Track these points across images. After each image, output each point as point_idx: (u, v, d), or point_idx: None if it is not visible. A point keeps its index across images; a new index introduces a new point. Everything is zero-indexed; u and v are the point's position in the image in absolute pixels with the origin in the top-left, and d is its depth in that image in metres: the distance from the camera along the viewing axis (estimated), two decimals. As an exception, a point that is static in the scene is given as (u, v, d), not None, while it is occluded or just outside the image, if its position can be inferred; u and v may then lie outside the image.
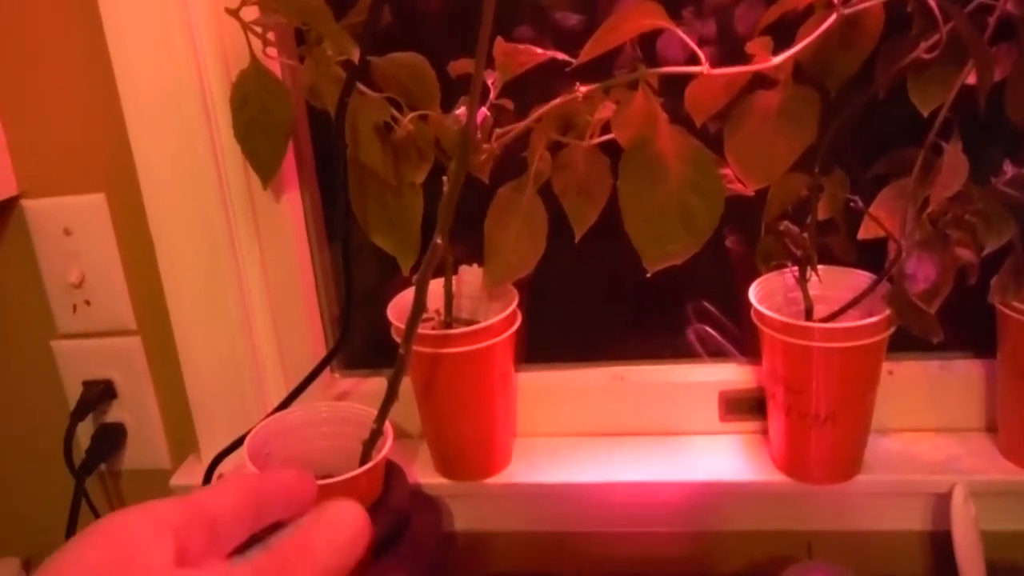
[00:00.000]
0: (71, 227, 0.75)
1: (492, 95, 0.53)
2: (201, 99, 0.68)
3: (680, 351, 0.81)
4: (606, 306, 0.83)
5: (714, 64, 0.71)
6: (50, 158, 0.74)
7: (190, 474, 0.78)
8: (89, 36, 0.68)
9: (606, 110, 0.58)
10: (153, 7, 0.65)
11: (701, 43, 0.82)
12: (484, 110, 0.50)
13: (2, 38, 0.71)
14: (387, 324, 0.68)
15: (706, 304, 0.84)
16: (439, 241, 0.51)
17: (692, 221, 0.54)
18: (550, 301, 0.80)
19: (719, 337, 0.84)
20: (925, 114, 0.57)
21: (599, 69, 0.59)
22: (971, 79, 0.55)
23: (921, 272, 0.56)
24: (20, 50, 0.71)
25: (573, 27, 0.82)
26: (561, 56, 0.51)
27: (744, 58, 0.55)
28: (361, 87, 0.57)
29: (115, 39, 0.67)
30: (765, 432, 0.73)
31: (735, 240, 0.78)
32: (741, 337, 0.80)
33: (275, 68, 0.66)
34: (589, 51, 0.49)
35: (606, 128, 0.60)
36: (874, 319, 0.60)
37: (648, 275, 0.56)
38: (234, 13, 0.61)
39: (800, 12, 0.54)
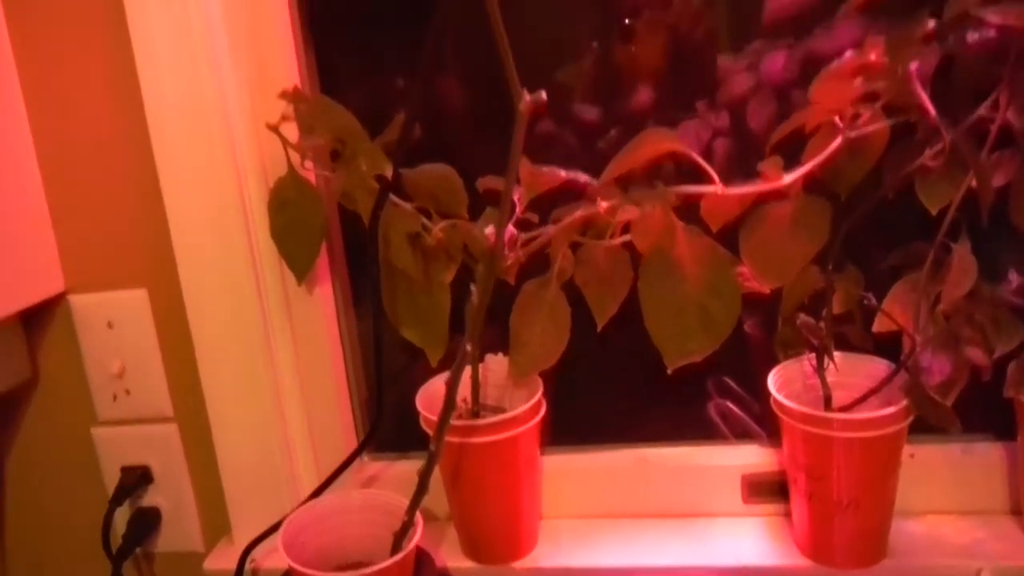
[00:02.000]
0: (114, 320, 0.78)
1: (519, 211, 0.56)
2: (240, 202, 0.72)
3: (702, 430, 0.82)
4: (628, 387, 0.85)
5: (728, 160, 0.74)
6: (96, 255, 0.78)
7: (223, 558, 0.80)
8: (136, 141, 0.72)
9: (626, 213, 0.61)
10: (197, 118, 0.70)
11: (715, 135, 0.86)
12: (512, 229, 0.53)
13: (55, 144, 0.76)
14: (415, 406, 0.70)
15: (727, 380, 0.86)
16: (468, 348, 0.54)
17: (710, 322, 0.56)
18: (574, 384, 0.82)
19: (741, 413, 0.85)
20: (933, 213, 0.59)
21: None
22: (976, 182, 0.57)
23: (936, 366, 0.58)
24: (71, 155, 0.76)
25: (592, 120, 0.86)
26: (584, 178, 0.55)
27: (757, 152, 0.57)
28: (393, 198, 0.60)
29: (160, 146, 0.71)
30: (789, 515, 0.73)
31: (753, 324, 0.80)
32: (763, 414, 0.81)
33: (310, 174, 0.70)
34: (609, 173, 0.52)
35: (626, 227, 0.62)
36: (892, 409, 0.61)
37: (669, 371, 0.59)
38: (274, 128, 0.65)
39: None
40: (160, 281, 0.77)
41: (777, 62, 0.81)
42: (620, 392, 0.84)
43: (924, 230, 0.61)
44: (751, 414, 0.83)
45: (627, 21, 0.78)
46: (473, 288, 0.54)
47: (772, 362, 0.70)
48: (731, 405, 0.86)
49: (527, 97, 0.39)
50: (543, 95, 0.39)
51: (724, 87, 0.82)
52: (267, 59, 0.71)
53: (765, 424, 0.81)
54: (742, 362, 0.81)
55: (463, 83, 0.75)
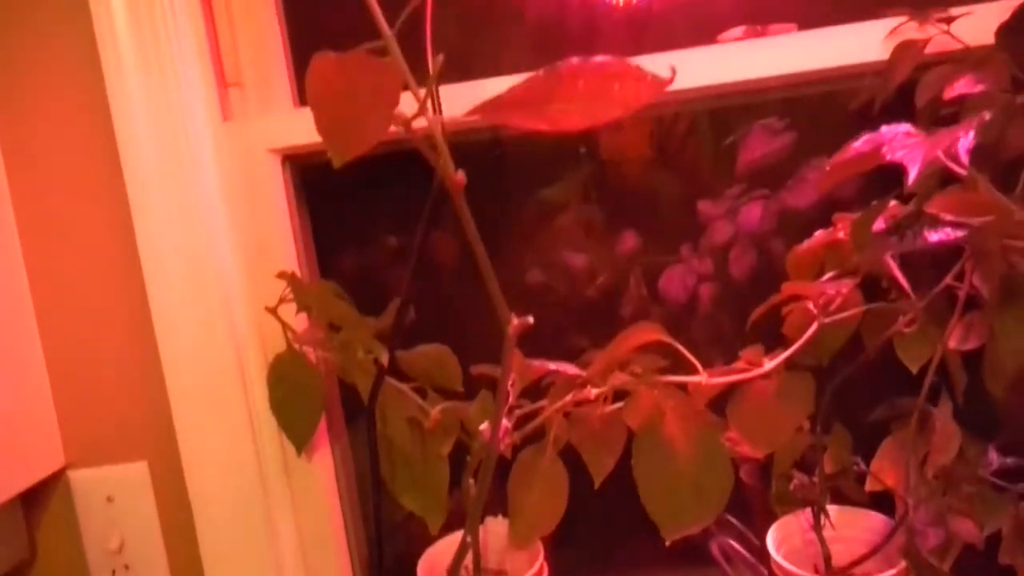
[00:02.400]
0: (113, 495, 0.78)
1: (511, 399, 0.58)
2: (239, 376, 0.73)
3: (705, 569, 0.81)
4: (629, 543, 0.85)
5: (713, 304, 0.77)
6: (96, 429, 0.79)
7: None
8: (137, 316, 0.75)
9: (618, 379, 0.63)
10: (197, 295, 0.72)
11: (700, 280, 0.89)
12: (506, 423, 0.55)
13: (56, 319, 0.78)
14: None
15: (728, 516, 0.86)
16: (468, 540, 0.54)
17: (703, 496, 0.57)
18: (578, 540, 0.82)
19: (742, 550, 0.85)
20: (914, 371, 0.61)
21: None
22: (952, 343, 0.59)
23: (931, 529, 0.59)
24: (73, 329, 0.78)
25: (580, 266, 0.89)
26: (572, 371, 0.57)
27: (740, 296, 0.59)
28: (390, 380, 0.62)
29: (161, 321, 0.74)
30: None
31: (749, 471, 0.80)
32: (763, 551, 0.81)
33: (308, 350, 0.72)
34: (598, 365, 0.54)
35: (617, 393, 0.64)
36: (893, 571, 0.61)
37: (667, 543, 0.59)
38: (272, 311, 0.67)
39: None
40: (161, 453, 0.77)
41: (754, 213, 0.85)
42: (621, 547, 0.84)
43: (911, 380, 0.62)
44: (754, 552, 0.83)
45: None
46: (471, 481, 0.55)
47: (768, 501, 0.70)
48: (732, 543, 0.86)
49: (515, 321, 0.41)
50: (530, 320, 0.41)
51: (706, 234, 0.86)
52: (265, 238, 0.74)
53: (766, 560, 0.80)
54: (741, 502, 0.81)
55: (454, 266, 0.79)
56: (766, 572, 0.80)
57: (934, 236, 0.45)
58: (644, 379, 0.55)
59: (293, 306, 0.69)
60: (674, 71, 0.33)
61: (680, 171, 0.86)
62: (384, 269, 0.83)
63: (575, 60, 0.33)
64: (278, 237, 0.74)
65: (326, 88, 0.37)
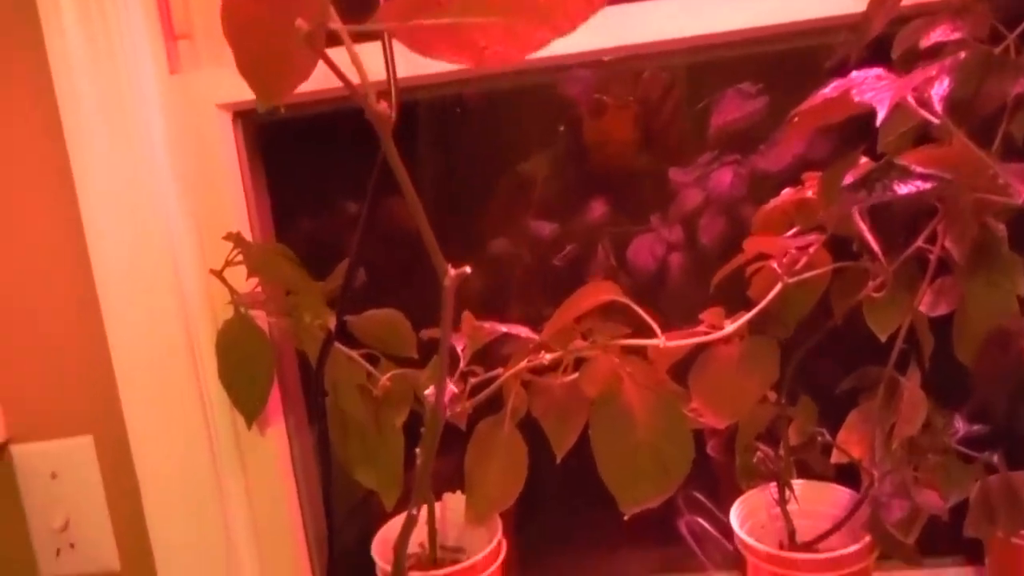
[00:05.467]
0: (58, 470, 0.75)
1: (463, 364, 0.55)
2: (187, 344, 0.70)
3: (673, 558, 0.80)
4: (593, 521, 0.83)
5: (683, 274, 0.74)
6: (39, 403, 0.76)
7: None
8: (80, 285, 0.71)
9: (577, 346, 0.61)
10: (143, 260, 0.69)
11: (669, 249, 0.87)
12: (452, 388, 0.52)
13: (-3, 289, 0.74)
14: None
15: (696, 494, 0.84)
16: (415, 512, 0.52)
17: (663, 467, 0.55)
18: (536, 520, 0.80)
19: (711, 529, 0.83)
20: (883, 339, 0.59)
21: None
22: (922, 307, 0.57)
23: (896, 501, 0.57)
24: (11, 300, 0.74)
25: (547, 236, 0.87)
26: (525, 333, 0.54)
27: (710, 264, 0.57)
28: (339, 347, 0.59)
29: (105, 289, 0.70)
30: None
31: (715, 445, 0.78)
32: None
33: (259, 315, 0.69)
34: (551, 328, 0.52)
35: (578, 362, 0.62)
36: (858, 546, 0.60)
37: (625, 517, 0.57)
38: (218, 274, 0.64)
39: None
40: (106, 427, 0.74)
41: (724, 178, 0.82)
42: (585, 526, 0.82)
43: (877, 348, 0.60)
44: (721, 529, 0.81)
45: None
46: (419, 450, 0.53)
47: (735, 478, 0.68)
48: (701, 520, 0.85)
49: (451, 272, 0.38)
50: (467, 269, 0.39)
51: (676, 201, 0.83)
52: (216, 201, 0.71)
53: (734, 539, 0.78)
54: (709, 476, 0.80)
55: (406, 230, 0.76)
56: (732, 549, 0.79)
57: (903, 188, 0.43)
58: (601, 343, 0.53)
59: (243, 271, 0.65)
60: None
61: (652, 140, 0.84)
62: (344, 236, 0.80)
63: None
64: (229, 198, 0.71)
65: (243, 17, 0.34)
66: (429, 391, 0.46)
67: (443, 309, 0.38)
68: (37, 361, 0.75)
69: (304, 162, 0.80)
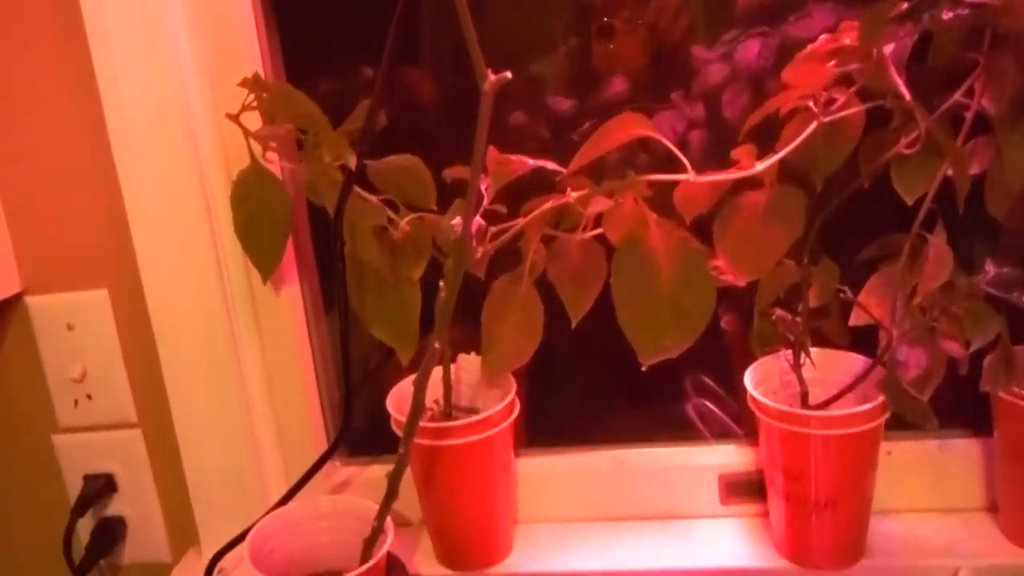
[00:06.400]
0: (73, 322, 0.76)
1: (486, 201, 0.54)
2: (202, 197, 0.69)
3: (680, 429, 0.81)
4: (604, 386, 0.84)
5: (703, 151, 0.73)
6: (54, 255, 0.75)
7: (190, 568, 0.77)
8: (93, 136, 0.70)
9: (598, 204, 0.60)
10: (156, 109, 0.67)
11: (690, 126, 0.85)
12: (479, 220, 0.52)
13: (7, 138, 0.73)
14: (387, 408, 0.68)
15: (704, 378, 0.85)
16: (437, 346, 0.52)
17: (684, 317, 0.55)
18: (549, 383, 0.80)
19: (719, 412, 0.84)
20: (909, 203, 0.58)
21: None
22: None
23: (913, 359, 0.57)
24: (24, 150, 0.73)
25: (565, 111, 0.85)
26: (552, 165, 0.53)
27: (732, 142, 0.56)
28: (358, 190, 0.59)
29: (119, 140, 0.69)
30: (767, 515, 0.72)
31: (731, 320, 0.79)
32: (740, 412, 0.80)
33: (275, 167, 0.68)
34: (579, 160, 0.51)
35: (599, 220, 0.61)
36: (869, 405, 0.60)
37: (643, 368, 0.57)
38: (234, 118, 0.63)
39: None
40: (121, 281, 0.74)
41: (751, 49, 0.80)
42: (596, 391, 0.83)
43: (900, 222, 0.60)
44: (729, 413, 0.82)
45: (605, 20, 0.77)
46: (443, 284, 0.52)
47: (749, 359, 0.69)
48: (709, 404, 0.85)
49: (492, 76, 0.37)
50: (508, 75, 0.37)
51: (699, 77, 0.81)
52: (229, 47, 0.69)
53: (743, 423, 0.79)
54: (720, 360, 0.80)
55: (431, 70, 0.73)
56: (741, 433, 0.80)
57: (949, 14, 0.41)
58: (628, 180, 0.52)
59: (258, 116, 0.64)
60: None
61: (677, 19, 0.81)
62: (357, 89, 0.77)
63: None
64: (243, 42, 0.69)
65: None
66: (456, 221, 0.46)
67: (481, 115, 0.37)
68: (50, 213, 0.74)
69: (314, 5, 0.77)
